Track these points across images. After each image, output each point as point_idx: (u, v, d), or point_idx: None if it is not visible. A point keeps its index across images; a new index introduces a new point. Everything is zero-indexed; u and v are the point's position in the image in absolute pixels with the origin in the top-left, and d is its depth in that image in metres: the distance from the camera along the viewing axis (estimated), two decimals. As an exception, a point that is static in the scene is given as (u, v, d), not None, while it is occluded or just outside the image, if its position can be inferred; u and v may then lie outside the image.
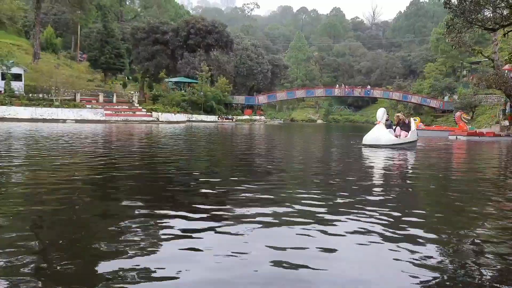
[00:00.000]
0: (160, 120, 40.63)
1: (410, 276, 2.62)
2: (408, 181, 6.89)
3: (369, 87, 70.18)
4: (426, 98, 60.92)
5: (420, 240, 3.34)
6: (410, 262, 2.84)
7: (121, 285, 2.35)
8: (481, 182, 7.06)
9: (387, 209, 4.30)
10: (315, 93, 70.45)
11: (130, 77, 59.12)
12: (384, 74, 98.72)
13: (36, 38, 41.34)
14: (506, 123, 31.49)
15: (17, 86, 34.72)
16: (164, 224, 3.53)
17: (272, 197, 4.86)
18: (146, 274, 2.51)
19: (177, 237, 3.25)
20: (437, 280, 2.58)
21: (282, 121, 71.25)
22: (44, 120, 32.06)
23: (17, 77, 35.15)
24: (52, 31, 53.56)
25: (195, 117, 49.19)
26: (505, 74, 28.76)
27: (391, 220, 3.91)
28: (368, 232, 3.51)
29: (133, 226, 3.45)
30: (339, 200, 4.82)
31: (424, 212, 4.45)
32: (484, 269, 2.77)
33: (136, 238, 3.16)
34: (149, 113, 41.47)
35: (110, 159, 8.63)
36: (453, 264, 2.89)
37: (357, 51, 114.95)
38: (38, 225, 3.54)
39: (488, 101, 47.89)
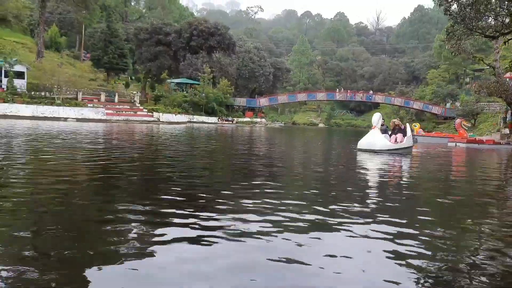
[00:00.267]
0: (160, 120, 40.73)
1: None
2: (400, 189, 6.86)
3: (371, 92, 70.22)
4: (428, 105, 60.88)
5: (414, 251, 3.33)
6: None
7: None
8: (475, 192, 7.08)
9: (382, 218, 4.24)
10: (317, 96, 70.48)
11: (133, 77, 59.32)
12: (387, 79, 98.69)
13: (40, 36, 41.55)
14: (507, 131, 31.41)
15: (20, 83, 34.84)
16: (162, 229, 3.47)
17: (268, 203, 4.74)
18: (145, 279, 2.51)
19: (175, 240, 3.23)
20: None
21: (283, 124, 71.29)
22: (45, 118, 32.14)
23: (20, 75, 35.28)
24: (57, 30, 53.84)
25: (196, 118, 49.29)
26: (506, 82, 28.72)
27: (389, 228, 3.88)
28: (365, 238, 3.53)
29: (132, 229, 3.43)
30: (333, 207, 4.69)
31: (417, 224, 4.32)
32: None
33: (134, 242, 3.14)
34: (150, 113, 41.59)
35: (103, 158, 8.70)
36: (453, 271, 2.92)
37: (360, 56, 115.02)
38: (37, 227, 3.52)
39: (490, 109, 47.80)
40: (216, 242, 3.19)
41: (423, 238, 3.58)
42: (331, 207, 4.64)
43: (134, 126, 30.36)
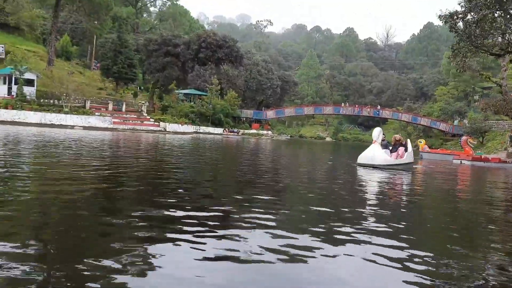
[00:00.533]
0: (167, 130, 40.97)
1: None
2: (402, 209, 6.69)
3: (378, 107, 70.08)
4: (436, 121, 60.61)
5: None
6: None
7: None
8: (473, 213, 7.01)
9: (384, 238, 4.16)
10: (324, 110, 70.51)
11: (142, 87, 59.91)
12: (395, 95, 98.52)
13: (51, 45, 42.23)
14: (514, 149, 31.15)
15: (29, 91, 35.32)
16: (166, 245, 3.43)
17: (271, 215, 4.75)
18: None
19: (175, 254, 3.24)
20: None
21: (289, 137, 71.24)
22: (53, 126, 32.48)
23: (30, 82, 35.79)
24: (68, 40, 54.70)
25: (203, 129, 49.50)
26: (513, 100, 28.50)
27: (392, 247, 3.85)
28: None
29: (135, 240, 3.40)
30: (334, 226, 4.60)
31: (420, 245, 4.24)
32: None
33: (137, 253, 3.13)
34: (157, 123, 41.87)
35: (101, 166, 8.76)
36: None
37: (368, 71, 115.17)
38: (42, 235, 3.51)
39: (499, 127, 47.46)
40: (218, 259, 3.16)
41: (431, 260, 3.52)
42: (335, 227, 4.47)
43: (140, 135, 30.53)
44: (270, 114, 64.20)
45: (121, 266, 2.83)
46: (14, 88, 34.55)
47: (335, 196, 7.04)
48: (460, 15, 23.16)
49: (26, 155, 10.00)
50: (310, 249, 3.54)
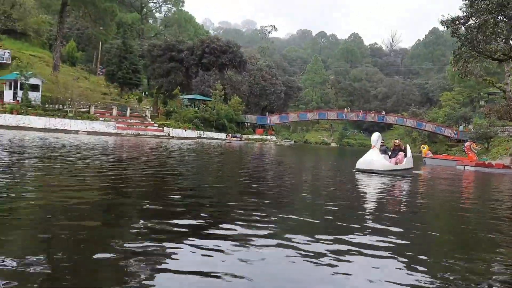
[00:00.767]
0: (170, 135, 41.08)
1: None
2: (405, 216, 6.57)
3: (383, 112, 69.91)
4: (441, 127, 60.37)
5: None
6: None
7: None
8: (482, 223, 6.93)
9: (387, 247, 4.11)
10: (328, 116, 70.48)
11: (147, 93, 60.25)
12: (401, 100, 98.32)
13: (57, 51, 42.60)
14: (518, 155, 30.87)
15: (34, 96, 35.61)
16: (171, 255, 3.38)
17: (274, 223, 4.73)
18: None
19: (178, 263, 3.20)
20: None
21: (293, 142, 71.23)
22: (57, 131, 32.66)
23: (35, 88, 36.09)
24: (74, 45, 55.19)
25: (207, 134, 49.67)
26: (517, 106, 28.29)
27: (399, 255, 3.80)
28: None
29: (138, 250, 3.36)
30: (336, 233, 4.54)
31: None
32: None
33: (140, 264, 3.08)
34: (161, 128, 42.01)
35: (101, 170, 8.80)
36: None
37: (374, 76, 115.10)
38: (46, 244, 3.48)
39: (504, 133, 47.12)
40: (226, 272, 3.12)
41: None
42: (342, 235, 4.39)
43: (143, 140, 30.62)
44: (274, 119, 64.28)
45: (125, 272, 2.86)
46: (20, 93, 34.85)
47: (337, 203, 7.02)
48: (462, 20, 23.11)
49: (29, 160, 10.07)
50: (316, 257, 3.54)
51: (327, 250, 3.71)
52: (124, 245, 3.43)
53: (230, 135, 51.56)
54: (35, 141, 17.97)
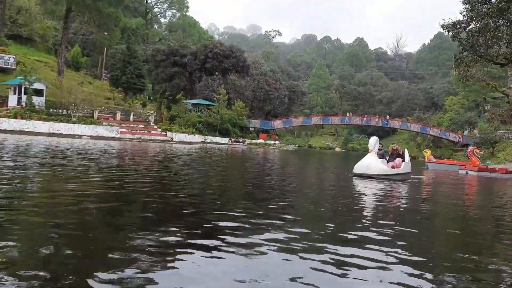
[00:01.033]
0: (174, 140, 41.18)
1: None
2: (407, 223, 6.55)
3: (387, 117, 69.71)
4: (446, 131, 60.09)
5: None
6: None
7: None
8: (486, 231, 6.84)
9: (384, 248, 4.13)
10: (332, 120, 70.42)
11: (152, 98, 60.53)
12: (406, 105, 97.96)
13: (61, 56, 42.93)
14: (522, 160, 30.60)
15: (39, 101, 35.86)
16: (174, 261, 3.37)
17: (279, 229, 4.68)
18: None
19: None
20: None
21: (296, 147, 71.13)
22: (61, 135, 32.86)
23: (39, 93, 36.34)
24: (79, 50, 55.66)
25: (210, 138, 49.77)
26: (520, 110, 28.09)
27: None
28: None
29: (142, 258, 3.32)
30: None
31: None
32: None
33: (145, 270, 3.07)
34: (164, 133, 42.14)
35: (100, 175, 8.83)
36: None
37: (378, 81, 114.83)
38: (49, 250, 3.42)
39: (510, 138, 46.80)
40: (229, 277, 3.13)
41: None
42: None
43: (146, 145, 30.70)
44: (277, 124, 64.27)
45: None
46: (24, 98, 35.08)
47: (339, 209, 6.98)
48: (463, 25, 23.03)
49: (32, 166, 10.12)
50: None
51: (331, 259, 3.68)
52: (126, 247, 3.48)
53: (232, 139, 51.61)
54: (36, 146, 18.08)
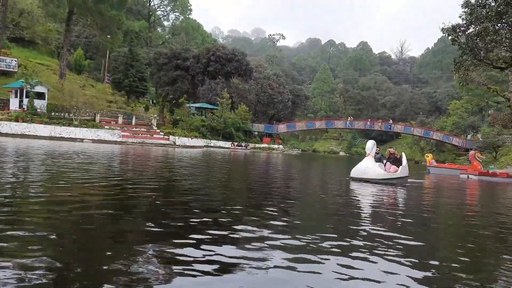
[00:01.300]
0: (176, 144, 41.11)
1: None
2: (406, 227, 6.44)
3: (390, 121, 69.46)
4: (449, 136, 59.79)
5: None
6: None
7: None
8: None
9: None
10: (335, 124, 70.23)
11: (155, 101, 60.57)
12: (409, 109, 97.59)
13: (63, 59, 43.05)
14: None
15: (40, 104, 35.90)
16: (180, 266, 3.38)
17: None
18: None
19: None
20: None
21: (300, 151, 70.93)
22: (62, 139, 32.85)
23: (40, 96, 36.38)
24: (82, 53, 55.78)
25: (213, 142, 49.67)
26: (521, 114, 27.86)
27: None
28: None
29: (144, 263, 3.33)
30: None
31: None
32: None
33: (146, 273, 3.09)
34: (166, 137, 42.06)
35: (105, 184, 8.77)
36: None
37: (382, 85, 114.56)
38: (51, 252, 3.45)
39: (513, 142, 46.48)
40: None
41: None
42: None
43: (148, 149, 30.55)
44: (281, 128, 64.15)
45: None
46: (25, 101, 35.14)
47: (340, 213, 6.87)
48: (462, 28, 22.88)
49: (31, 171, 10.07)
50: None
51: (337, 264, 3.70)
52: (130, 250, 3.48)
53: (234, 144, 51.53)
54: (37, 149, 18.06)
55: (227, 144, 50.96)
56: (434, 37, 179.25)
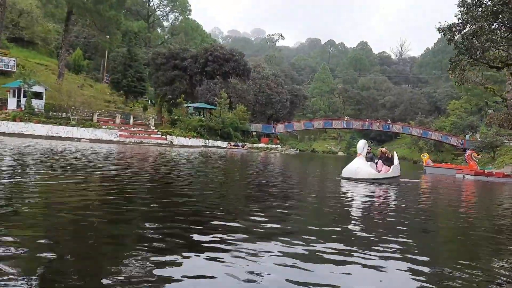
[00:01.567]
0: (174, 143, 41.15)
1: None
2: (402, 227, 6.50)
3: (389, 121, 69.41)
4: (447, 136, 59.77)
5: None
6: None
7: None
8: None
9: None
10: (333, 124, 70.22)
11: (153, 101, 60.58)
12: (409, 109, 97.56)
13: (62, 59, 43.09)
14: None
15: (38, 104, 35.99)
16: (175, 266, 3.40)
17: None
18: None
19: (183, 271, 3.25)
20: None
21: (297, 151, 70.89)
22: (60, 138, 32.90)
23: (38, 95, 36.48)
24: (81, 53, 55.83)
25: (211, 142, 49.68)
26: (517, 114, 27.79)
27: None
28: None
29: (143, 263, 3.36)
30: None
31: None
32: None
33: (143, 273, 3.11)
34: (164, 137, 42.11)
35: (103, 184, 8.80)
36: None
37: (382, 85, 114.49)
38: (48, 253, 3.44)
39: (511, 142, 46.45)
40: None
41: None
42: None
43: (145, 148, 30.56)
44: (279, 128, 64.13)
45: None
46: (23, 101, 35.24)
47: (337, 213, 6.89)
48: (458, 28, 22.88)
49: (29, 170, 10.10)
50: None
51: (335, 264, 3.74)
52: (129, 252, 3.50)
53: (231, 144, 51.55)
54: (34, 149, 18.11)
55: (225, 144, 50.97)
56: (434, 37, 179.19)
